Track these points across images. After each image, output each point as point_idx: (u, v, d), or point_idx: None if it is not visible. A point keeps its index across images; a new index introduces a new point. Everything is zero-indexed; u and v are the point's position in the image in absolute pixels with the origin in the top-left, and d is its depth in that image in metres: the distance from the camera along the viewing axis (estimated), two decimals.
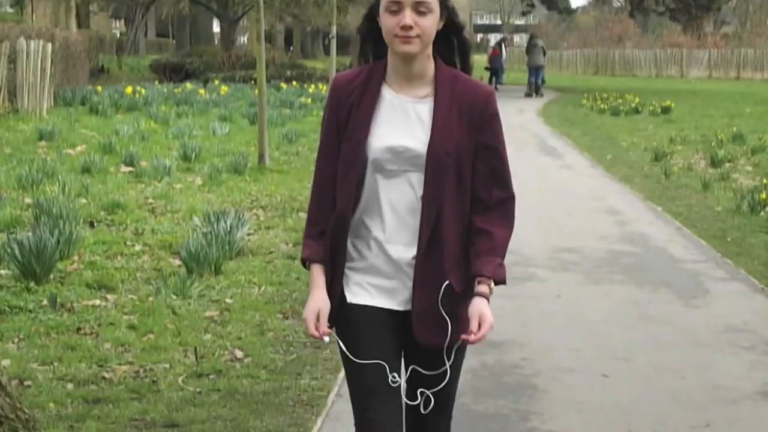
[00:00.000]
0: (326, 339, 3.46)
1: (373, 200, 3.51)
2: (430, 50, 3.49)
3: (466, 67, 3.62)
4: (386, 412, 3.50)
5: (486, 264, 3.48)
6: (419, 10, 3.40)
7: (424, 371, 3.53)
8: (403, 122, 3.49)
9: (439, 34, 3.49)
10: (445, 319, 3.44)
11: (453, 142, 3.45)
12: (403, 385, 3.56)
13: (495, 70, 44.18)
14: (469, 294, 3.50)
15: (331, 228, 3.53)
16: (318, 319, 3.47)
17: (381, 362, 3.47)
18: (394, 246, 3.49)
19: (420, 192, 3.46)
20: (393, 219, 3.49)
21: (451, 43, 3.58)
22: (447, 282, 3.47)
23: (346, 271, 3.55)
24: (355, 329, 3.52)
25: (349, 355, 3.49)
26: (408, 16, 3.37)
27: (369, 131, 3.48)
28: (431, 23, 3.42)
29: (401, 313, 3.52)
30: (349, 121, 3.50)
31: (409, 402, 3.57)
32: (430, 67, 3.52)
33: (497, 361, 6.60)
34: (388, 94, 3.52)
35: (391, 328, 3.53)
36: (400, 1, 3.40)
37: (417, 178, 3.47)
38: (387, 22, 3.42)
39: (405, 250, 3.48)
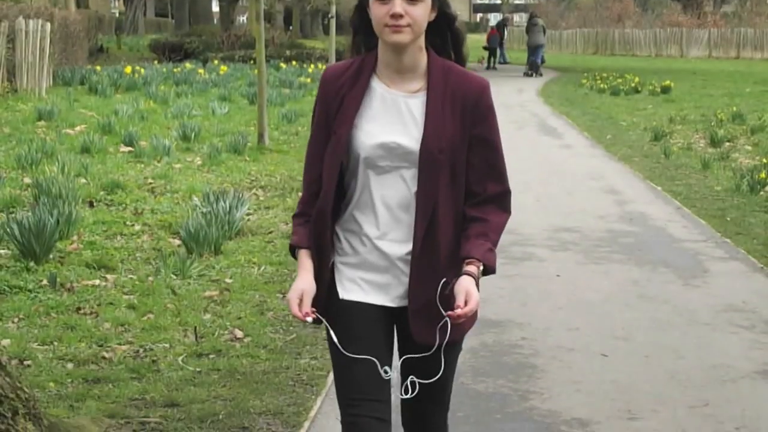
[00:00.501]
0: (309, 320, 3.36)
1: (365, 196, 3.44)
2: (422, 42, 3.40)
3: (460, 59, 3.52)
4: (374, 408, 3.43)
5: (476, 246, 3.39)
6: None
7: (419, 366, 3.45)
8: (395, 118, 3.41)
9: (431, 25, 3.40)
10: (443, 316, 3.35)
11: (446, 138, 3.37)
12: (397, 379, 3.49)
13: (493, 49, 44.27)
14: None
15: (314, 222, 3.47)
16: (301, 300, 3.39)
17: (372, 358, 3.41)
18: (387, 242, 3.43)
19: (414, 188, 3.40)
20: (386, 215, 3.43)
21: (444, 35, 3.48)
22: (444, 279, 3.39)
23: (339, 266, 3.50)
24: (347, 324, 3.45)
25: (340, 347, 3.42)
26: (398, 5, 3.28)
27: (354, 125, 3.40)
28: (422, 12, 3.33)
29: (395, 310, 3.47)
30: (338, 114, 3.43)
31: (403, 396, 3.47)
32: (423, 59, 3.43)
33: (496, 341, 6.61)
34: (379, 87, 3.44)
35: (384, 324, 3.49)
36: None
37: (410, 174, 3.40)
38: (377, 11, 3.33)
39: (399, 247, 3.42)
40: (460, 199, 3.45)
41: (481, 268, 3.39)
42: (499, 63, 46.00)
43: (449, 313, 3.31)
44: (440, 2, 3.42)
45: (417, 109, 3.41)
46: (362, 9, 3.43)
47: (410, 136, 3.38)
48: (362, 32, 3.47)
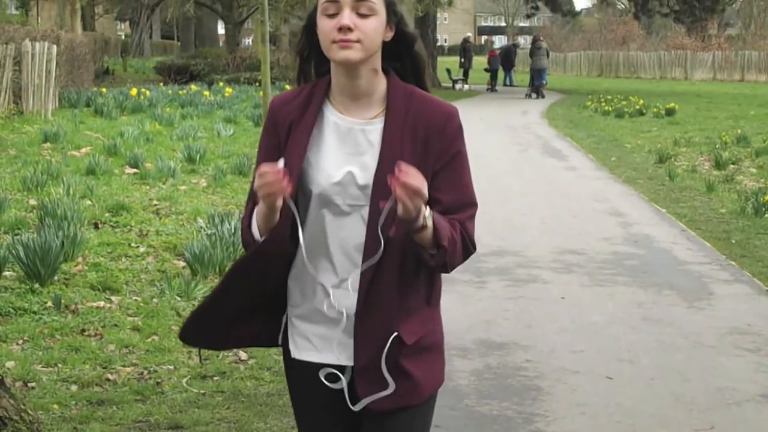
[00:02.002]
0: (280, 163, 2.91)
1: (319, 240, 3.06)
2: (377, 64, 3.04)
3: (422, 86, 3.13)
4: None
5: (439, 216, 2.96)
6: (360, 11, 2.98)
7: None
8: (351, 149, 3.03)
9: (389, 47, 3.07)
10: (391, 377, 3.02)
11: None
12: None
13: (494, 71, 44.54)
14: (425, 348, 3.10)
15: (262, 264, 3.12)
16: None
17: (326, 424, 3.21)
18: (342, 291, 3.04)
19: None
20: (344, 261, 3.04)
21: (403, 58, 3.13)
22: (395, 333, 3.02)
23: (292, 318, 3.16)
24: (301, 389, 3.21)
25: (294, 405, 3.29)
26: (346, 16, 2.95)
27: (305, 159, 3.04)
28: (374, 27, 2.98)
29: (347, 369, 3.11)
30: (287, 147, 3.06)
31: None
32: (380, 83, 3.07)
33: (501, 363, 6.60)
34: (332, 116, 3.07)
35: (338, 393, 3.11)
36: (337, 0, 2.98)
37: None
38: (324, 26, 2.99)
39: (355, 296, 3.03)
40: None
41: (430, 223, 2.90)
42: (505, 86, 46.23)
43: (390, 174, 2.83)
44: (397, 19, 3.08)
45: (376, 138, 3.03)
46: (310, 30, 3.10)
47: (368, 170, 3.00)
48: (313, 57, 3.14)
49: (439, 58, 50.96)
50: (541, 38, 41.47)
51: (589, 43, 72.56)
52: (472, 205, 3.09)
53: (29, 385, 6.02)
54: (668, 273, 9.24)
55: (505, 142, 21.48)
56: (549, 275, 9.10)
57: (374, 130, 3.04)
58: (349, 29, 2.94)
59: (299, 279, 3.12)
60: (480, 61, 48.93)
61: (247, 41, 71.40)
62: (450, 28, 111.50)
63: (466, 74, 45.07)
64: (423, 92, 3.10)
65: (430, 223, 2.89)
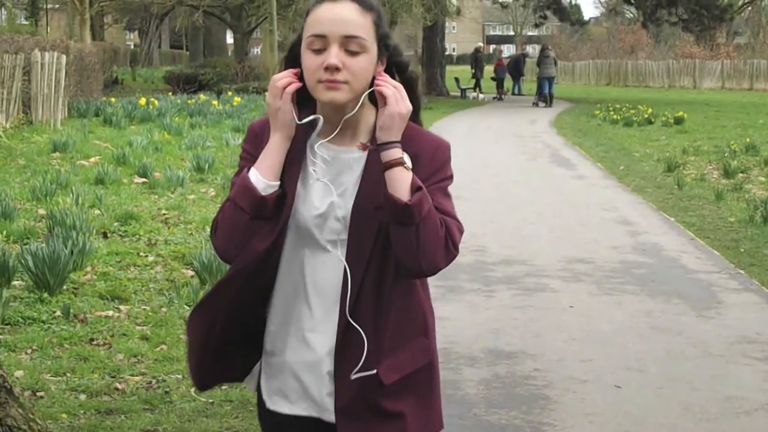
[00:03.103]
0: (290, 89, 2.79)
1: (295, 280, 2.87)
2: (365, 97, 2.78)
3: (416, 118, 2.87)
4: None
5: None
6: (349, 48, 2.71)
7: None
8: (334, 178, 2.81)
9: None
10: (374, 419, 2.83)
11: None
12: None
13: (500, 80, 44.69)
14: (405, 388, 2.87)
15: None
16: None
17: None
18: (320, 336, 2.84)
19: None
20: (320, 304, 2.83)
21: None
22: (374, 371, 2.80)
23: (264, 367, 2.97)
24: None
25: None
26: (334, 55, 2.68)
27: (296, 190, 2.83)
28: (364, 66, 2.72)
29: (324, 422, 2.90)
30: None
31: None
32: (369, 114, 2.83)
33: (509, 372, 6.59)
34: (318, 144, 2.82)
35: None
36: (324, 35, 2.70)
37: None
38: (309, 62, 2.72)
39: (331, 339, 2.84)
40: (390, 275, 2.82)
41: (410, 164, 2.73)
42: (513, 95, 46.32)
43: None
44: (389, 52, 2.84)
45: (360, 168, 2.81)
46: (293, 64, 2.83)
47: (348, 199, 2.80)
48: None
49: (448, 67, 50.96)
50: (550, 47, 41.49)
51: (598, 52, 72.59)
52: (457, 220, 2.82)
53: (38, 394, 6.02)
54: (677, 282, 9.23)
55: (513, 151, 21.48)
56: (557, 284, 9.09)
57: (360, 158, 2.82)
58: (337, 69, 2.69)
59: (273, 322, 2.93)
60: (489, 71, 48.96)
61: (256, 50, 71.51)
62: (459, 37, 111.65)
63: (478, 84, 45.10)
64: (414, 125, 2.84)
65: (409, 163, 2.71)
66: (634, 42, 72.06)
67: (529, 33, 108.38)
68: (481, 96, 44.07)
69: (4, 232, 10.29)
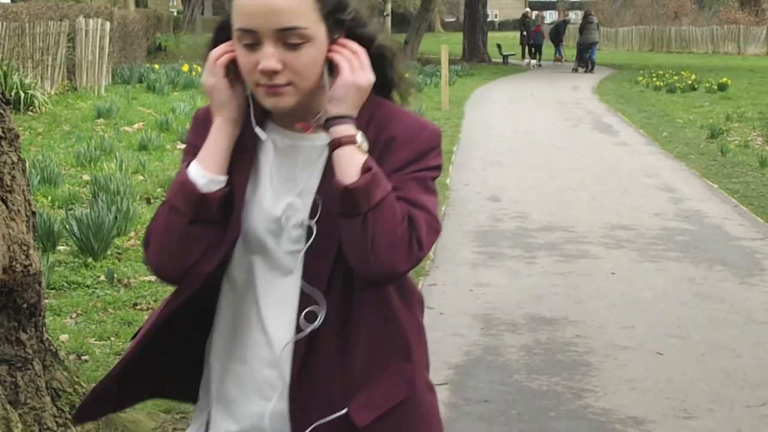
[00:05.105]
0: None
1: (246, 300, 2.34)
2: (326, 72, 2.24)
3: (387, 96, 2.36)
4: None
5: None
6: (288, 41, 2.16)
7: None
8: (290, 172, 2.30)
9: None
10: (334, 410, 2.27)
11: None
12: None
13: (538, 45, 44.61)
14: (402, 423, 2.33)
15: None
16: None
17: None
18: (283, 370, 2.30)
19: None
20: (279, 328, 2.31)
21: (377, 68, 2.28)
22: (345, 410, 2.26)
23: (212, 408, 2.44)
24: None
25: None
26: (269, 55, 2.15)
27: (245, 192, 2.32)
28: (310, 59, 2.18)
29: None
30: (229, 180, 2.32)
31: None
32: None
33: (551, 339, 6.60)
34: (271, 131, 2.32)
35: None
36: (254, 30, 2.16)
37: None
38: (242, 60, 2.21)
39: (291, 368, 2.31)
40: (360, 289, 2.28)
41: (366, 147, 2.20)
42: (556, 60, 46.12)
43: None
44: (346, 27, 2.25)
45: (323, 156, 2.28)
46: (223, 38, 2.32)
47: (308, 196, 2.28)
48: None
49: (490, 34, 50.69)
50: (593, 13, 41.17)
51: (641, 18, 71.87)
52: (432, 216, 2.25)
53: (82, 357, 6.09)
54: (719, 248, 9.18)
55: (555, 117, 21.37)
56: (599, 251, 9.06)
57: (322, 148, 2.26)
58: (275, 72, 2.17)
59: (223, 355, 2.41)
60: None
61: None
62: (501, 3, 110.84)
63: (529, 50, 44.84)
64: (397, 107, 2.34)
65: (365, 144, 2.20)
66: (678, 8, 71.29)
67: None
68: (533, 62, 43.83)
69: (49, 198, 10.38)
